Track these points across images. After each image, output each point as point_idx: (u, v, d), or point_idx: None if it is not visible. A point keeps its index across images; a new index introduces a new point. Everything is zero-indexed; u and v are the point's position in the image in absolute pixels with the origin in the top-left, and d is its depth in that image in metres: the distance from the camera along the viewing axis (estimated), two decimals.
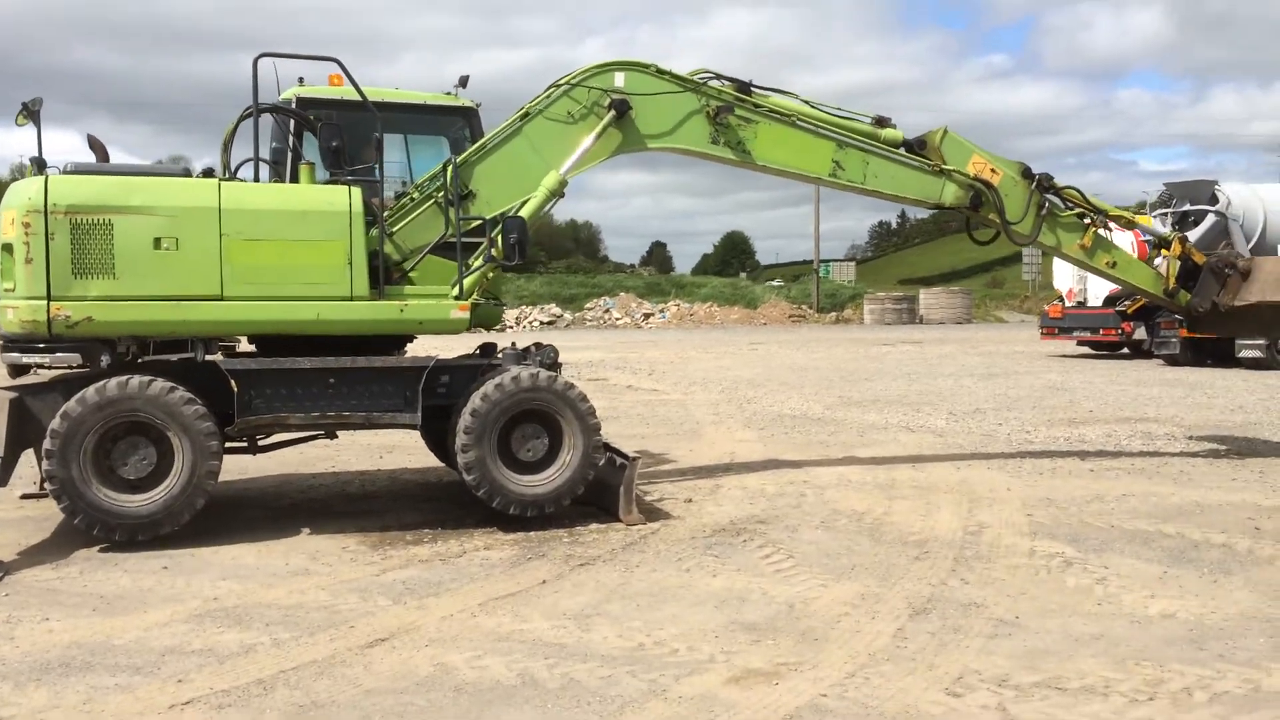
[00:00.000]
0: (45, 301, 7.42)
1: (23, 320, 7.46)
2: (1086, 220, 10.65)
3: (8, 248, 7.47)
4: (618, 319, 54.18)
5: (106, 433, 7.61)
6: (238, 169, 8.53)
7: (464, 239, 8.45)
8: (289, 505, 9.49)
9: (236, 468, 10.64)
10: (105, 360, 7.82)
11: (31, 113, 8.06)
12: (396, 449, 12.53)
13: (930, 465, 11.16)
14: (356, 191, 8.04)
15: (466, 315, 8.34)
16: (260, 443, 9.05)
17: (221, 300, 7.75)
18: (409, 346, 9.40)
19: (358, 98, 8.81)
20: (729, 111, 9.39)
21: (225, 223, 7.70)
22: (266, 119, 8.88)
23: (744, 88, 9.65)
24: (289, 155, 8.80)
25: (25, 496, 9.51)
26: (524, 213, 8.60)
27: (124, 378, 7.61)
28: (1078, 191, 10.66)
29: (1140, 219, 25.48)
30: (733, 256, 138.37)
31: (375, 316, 8.10)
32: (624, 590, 6.67)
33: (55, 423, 7.46)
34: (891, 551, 7.58)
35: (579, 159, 8.94)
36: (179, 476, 7.70)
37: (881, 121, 10.17)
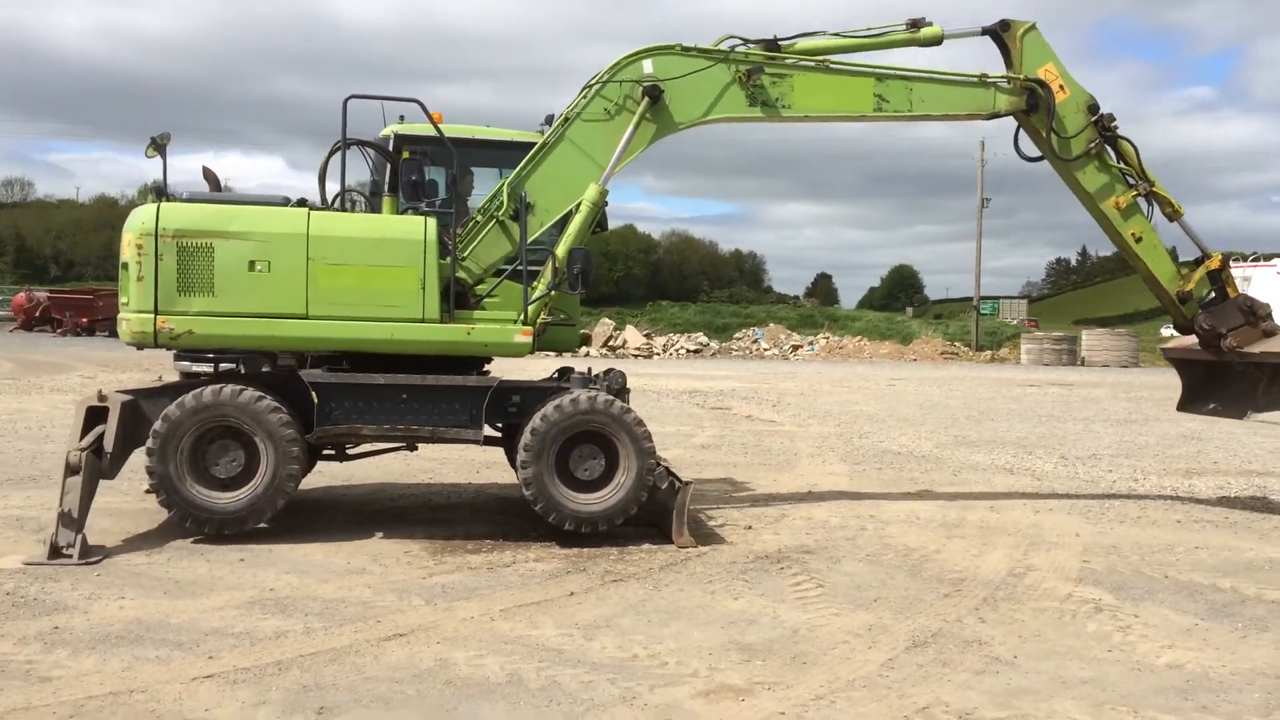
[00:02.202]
0: (152, 315, 8.29)
1: (133, 332, 8.36)
2: (1131, 181, 10.36)
3: (125, 266, 8.39)
4: (765, 350, 54.17)
5: (203, 435, 8.41)
6: (335, 199, 9.29)
7: (531, 267, 8.96)
8: (375, 510, 10.16)
9: (343, 474, 11.43)
10: (265, 369, 8.75)
11: (159, 147, 8.99)
12: (495, 465, 13.11)
13: (1010, 507, 11.02)
14: (432, 222, 8.66)
15: (529, 340, 8.83)
16: (349, 451, 9.77)
17: (306, 319, 8.46)
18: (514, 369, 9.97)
19: (456, 135, 9.51)
20: (759, 72, 9.53)
21: (312, 248, 8.42)
22: (369, 153, 9.69)
23: (772, 45, 9.78)
24: (384, 187, 9.55)
25: (149, 491, 10.47)
26: (572, 229, 9.08)
27: (218, 385, 8.41)
28: (1134, 149, 10.35)
29: None
30: (900, 290, 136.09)
31: (443, 338, 8.68)
32: (643, 606, 6.99)
33: (157, 424, 8.31)
34: (923, 587, 7.64)
35: (622, 153, 9.28)
36: (263, 477, 8.43)
37: (916, 23, 10.10)
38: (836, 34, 10.00)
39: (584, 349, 48.39)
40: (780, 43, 9.84)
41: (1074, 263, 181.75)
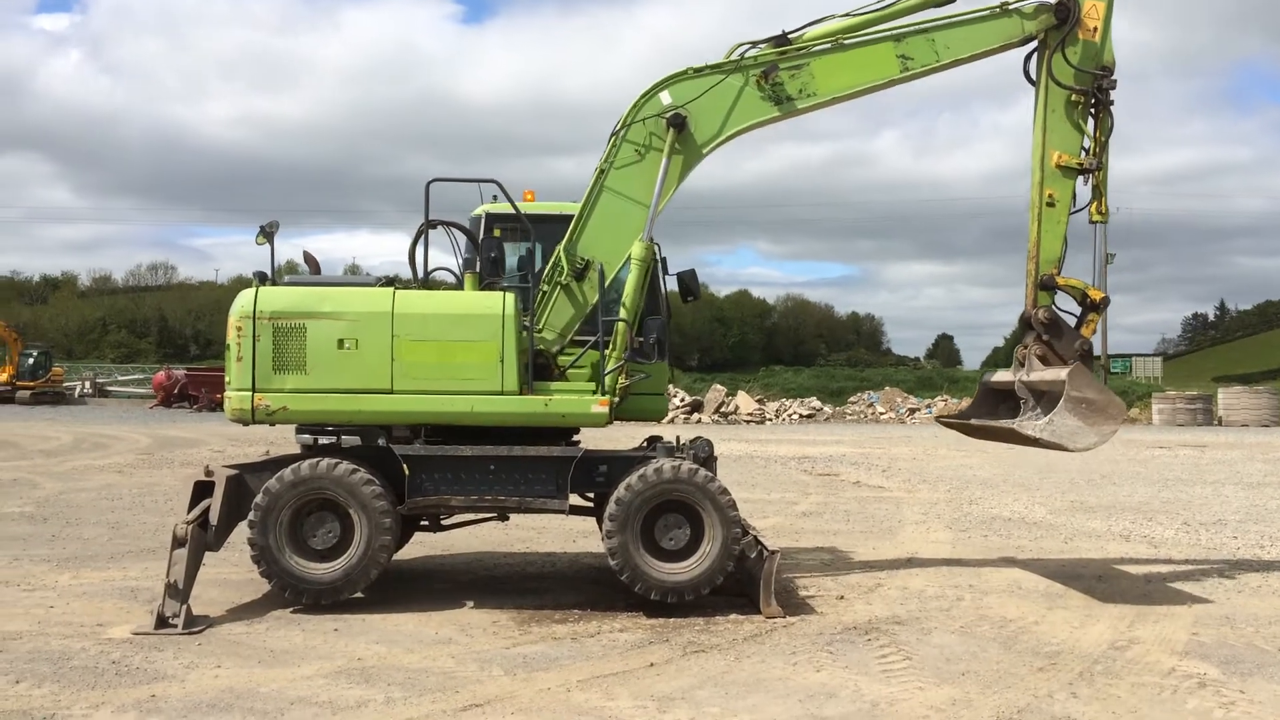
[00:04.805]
0: (251, 393, 8.68)
1: (234, 409, 8.76)
2: (1085, 150, 9.82)
3: (228, 348, 8.82)
4: (881, 413, 53.30)
5: (301, 507, 8.71)
6: (427, 277, 9.61)
7: (607, 336, 9.09)
8: (470, 580, 10.32)
9: (443, 543, 11.67)
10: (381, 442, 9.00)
11: (268, 235, 9.49)
12: (592, 534, 13.17)
13: (1120, 576, 10.58)
14: (510, 296, 8.90)
15: (606, 410, 8.94)
16: (443, 521, 9.98)
17: (391, 394, 8.75)
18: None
19: (543, 213, 9.81)
20: (775, 70, 9.44)
21: (397, 325, 8.73)
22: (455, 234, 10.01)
23: (781, 39, 9.65)
24: (476, 263, 9.84)
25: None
26: (629, 290, 9.21)
27: (315, 459, 8.72)
28: (1111, 126, 9.82)
29: None
30: None
31: (522, 410, 8.85)
32: (722, 678, 6.92)
33: (258, 497, 8.65)
34: (1016, 661, 7.38)
35: (660, 191, 9.31)
36: (358, 548, 8.67)
37: None
38: (845, 14, 9.84)
39: (696, 416, 48.38)
40: (789, 35, 9.73)
41: (1212, 318, 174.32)
